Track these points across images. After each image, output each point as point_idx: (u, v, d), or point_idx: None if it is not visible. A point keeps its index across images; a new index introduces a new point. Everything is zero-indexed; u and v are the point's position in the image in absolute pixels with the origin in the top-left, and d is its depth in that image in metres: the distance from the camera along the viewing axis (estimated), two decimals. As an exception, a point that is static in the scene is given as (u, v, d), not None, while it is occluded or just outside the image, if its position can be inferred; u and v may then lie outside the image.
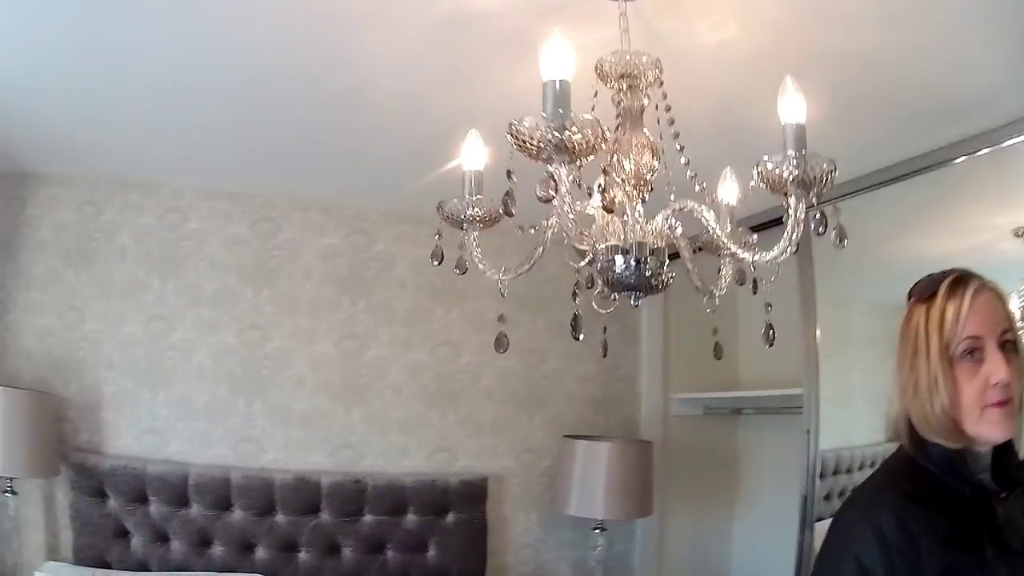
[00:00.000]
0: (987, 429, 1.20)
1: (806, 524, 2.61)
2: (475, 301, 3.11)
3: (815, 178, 1.06)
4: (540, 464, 3.15)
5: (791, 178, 1.05)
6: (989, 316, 1.22)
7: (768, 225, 2.02)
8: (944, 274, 1.28)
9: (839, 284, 2.68)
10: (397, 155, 2.49)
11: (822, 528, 2.61)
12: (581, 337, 1.41)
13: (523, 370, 3.12)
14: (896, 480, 1.29)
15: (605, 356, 1.97)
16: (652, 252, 1.30)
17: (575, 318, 1.42)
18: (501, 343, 1.45)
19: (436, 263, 1.39)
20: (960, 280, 1.25)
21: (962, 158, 2.18)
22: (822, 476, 2.62)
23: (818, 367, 2.62)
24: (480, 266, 1.42)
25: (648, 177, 1.39)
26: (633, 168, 1.37)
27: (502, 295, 1.39)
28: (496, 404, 3.12)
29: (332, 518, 2.92)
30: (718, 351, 1.55)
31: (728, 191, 1.43)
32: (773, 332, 1.41)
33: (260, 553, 2.91)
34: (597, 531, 2.99)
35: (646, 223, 1.34)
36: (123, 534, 2.91)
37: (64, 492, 2.98)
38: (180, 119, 2.35)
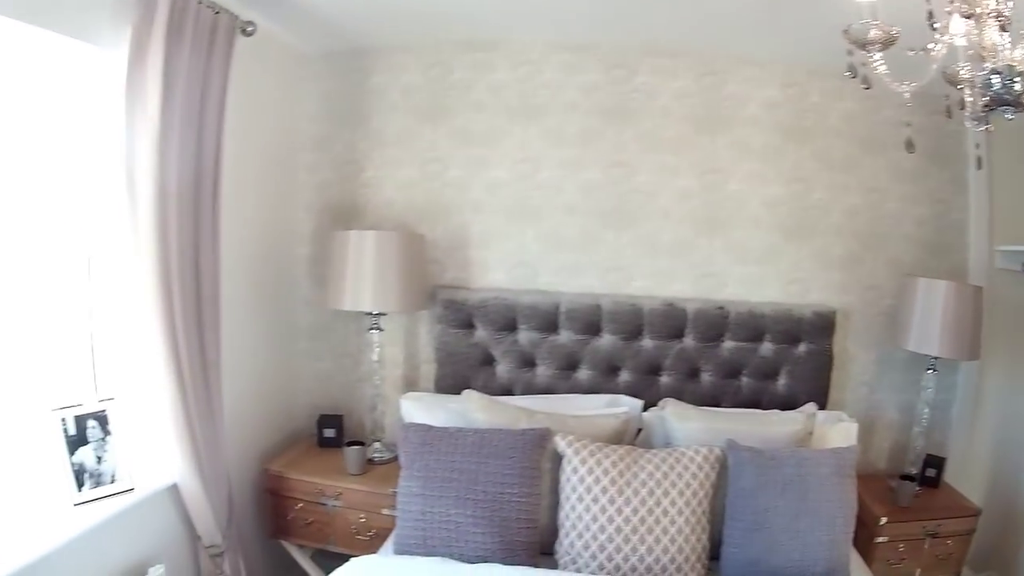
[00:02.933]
0: None
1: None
2: (824, 140, 3.18)
3: None
4: (881, 302, 3.21)
5: None
6: None
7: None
8: None
9: None
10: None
11: None
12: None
13: (866, 209, 3.18)
14: None
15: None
16: (1020, 74, 1.50)
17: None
18: (911, 145, 1.74)
19: (850, 75, 1.60)
20: None
21: None
22: None
23: None
24: (885, 78, 1.61)
25: (1006, 12, 1.52)
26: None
27: (908, 104, 1.62)
28: (845, 240, 3.18)
29: (695, 343, 3.04)
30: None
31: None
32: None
33: (624, 376, 3.05)
34: (930, 372, 3.06)
35: (1012, 52, 1.52)
36: (488, 362, 3.05)
37: (428, 328, 3.12)
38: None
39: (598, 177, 3.12)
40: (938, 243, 3.27)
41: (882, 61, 1.58)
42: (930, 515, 2.91)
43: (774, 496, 2.43)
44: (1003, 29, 1.51)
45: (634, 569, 2.32)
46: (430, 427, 2.63)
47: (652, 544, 2.34)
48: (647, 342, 3.03)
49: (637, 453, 2.51)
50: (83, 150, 2.24)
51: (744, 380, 3.08)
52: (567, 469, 2.46)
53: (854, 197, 3.18)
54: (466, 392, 2.84)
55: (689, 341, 3.04)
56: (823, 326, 3.08)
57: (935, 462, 3.16)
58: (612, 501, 2.37)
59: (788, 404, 3.00)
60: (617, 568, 2.32)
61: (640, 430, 2.81)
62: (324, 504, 2.91)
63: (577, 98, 3.13)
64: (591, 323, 3.02)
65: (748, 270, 3.15)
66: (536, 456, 2.50)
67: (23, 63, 2.04)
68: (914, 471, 3.10)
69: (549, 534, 2.45)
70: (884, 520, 2.84)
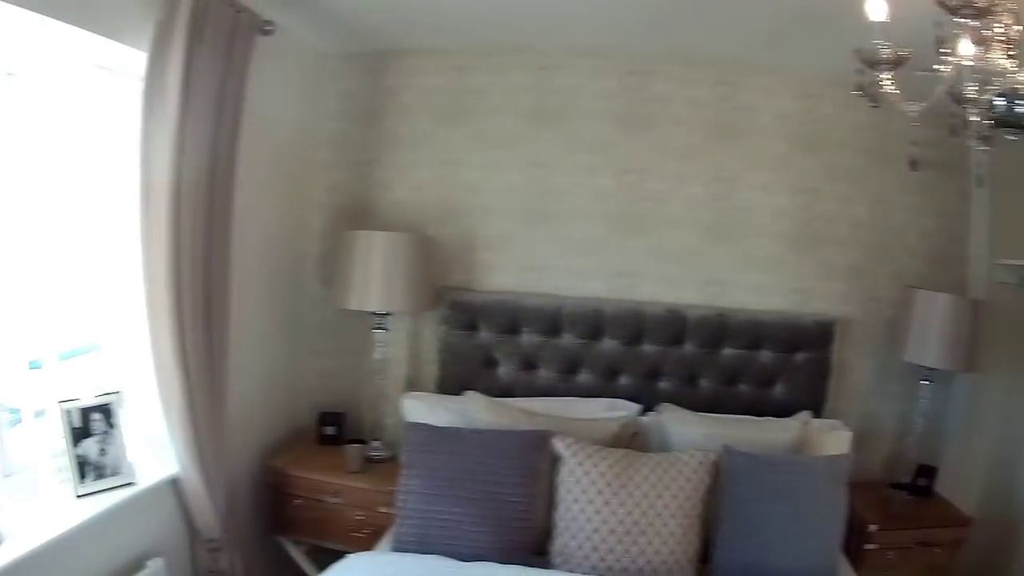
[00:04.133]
0: None
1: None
2: (833, 151, 3.21)
3: None
4: (881, 313, 3.23)
5: None
6: None
7: None
8: None
9: None
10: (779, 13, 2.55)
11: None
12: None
13: (872, 220, 3.21)
14: None
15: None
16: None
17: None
18: (915, 164, 1.88)
19: (859, 94, 1.64)
20: None
21: None
22: None
23: None
24: (893, 97, 1.63)
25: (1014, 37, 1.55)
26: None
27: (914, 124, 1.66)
28: (849, 250, 3.21)
29: (695, 349, 3.09)
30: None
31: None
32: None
33: (624, 380, 3.10)
34: (925, 383, 3.08)
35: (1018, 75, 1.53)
36: (490, 364, 3.10)
37: (432, 329, 3.15)
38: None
39: (610, 183, 3.17)
40: (941, 255, 3.30)
41: (891, 80, 1.61)
42: (920, 524, 2.97)
43: (768, 501, 2.50)
44: (1009, 54, 1.53)
45: (625, 570, 2.37)
46: (433, 427, 2.69)
47: (644, 546, 2.40)
48: (648, 347, 3.08)
49: (633, 456, 2.57)
50: (101, 145, 2.31)
51: (742, 387, 3.12)
52: (563, 471, 2.51)
53: (860, 208, 3.21)
54: (468, 393, 2.90)
55: (689, 347, 3.09)
56: (822, 335, 3.12)
57: (927, 471, 3.20)
58: (607, 503, 2.43)
59: (785, 412, 3.02)
60: (609, 569, 2.37)
61: (636, 434, 2.84)
62: (323, 501, 2.95)
63: (593, 104, 3.18)
64: (593, 327, 3.07)
65: (753, 278, 3.19)
66: (535, 457, 2.55)
67: (45, 58, 2.08)
68: (906, 480, 3.13)
69: (544, 534, 2.50)
70: (874, 527, 2.88)
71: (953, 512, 3.12)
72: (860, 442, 3.23)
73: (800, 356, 3.11)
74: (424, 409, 2.87)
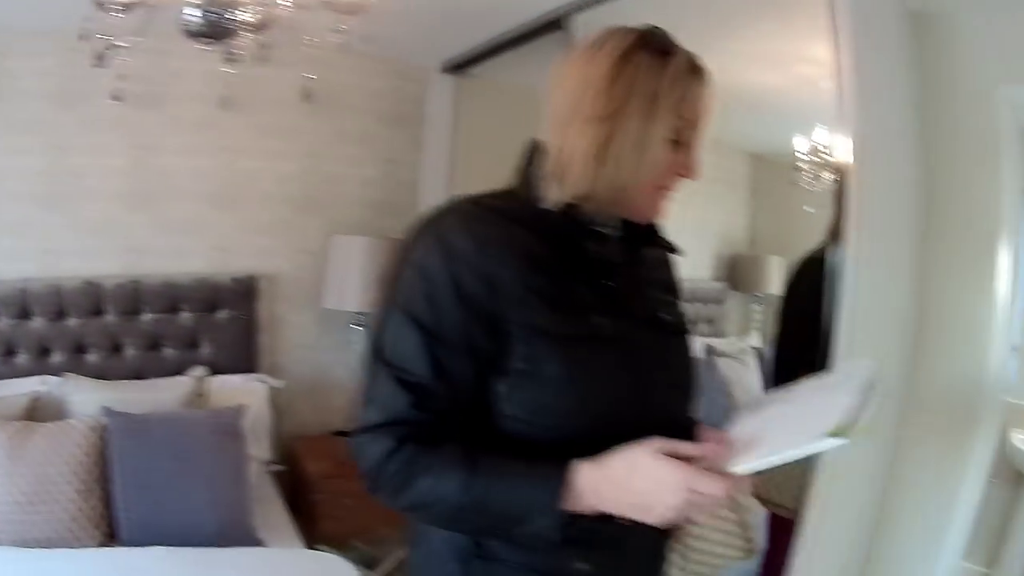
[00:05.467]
0: (650, 209, 1.12)
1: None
2: (264, 109, 3.21)
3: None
4: (315, 265, 3.21)
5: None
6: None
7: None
8: (662, 33, 1.08)
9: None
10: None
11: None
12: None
13: (302, 173, 3.21)
14: (479, 197, 1.14)
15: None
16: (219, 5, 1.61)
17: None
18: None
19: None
20: (695, 58, 1.08)
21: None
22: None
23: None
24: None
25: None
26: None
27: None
28: (274, 206, 3.20)
29: (115, 319, 3.12)
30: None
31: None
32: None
33: (56, 357, 3.12)
34: (357, 327, 3.07)
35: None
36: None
37: None
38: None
39: (39, 162, 3.11)
40: (386, 202, 3.24)
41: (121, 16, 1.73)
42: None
43: (152, 459, 2.56)
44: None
45: (36, 539, 2.41)
46: None
47: (47, 514, 2.44)
48: (72, 321, 3.11)
49: (30, 428, 2.61)
50: None
51: (168, 351, 3.14)
52: None
53: (289, 163, 3.19)
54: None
55: (110, 318, 3.11)
56: (244, 292, 3.14)
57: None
58: (9, 475, 2.47)
59: (217, 371, 3.07)
60: (22, 539, 2.41)
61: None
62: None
63: (32, 85, 3.10)
64: (21, 307, 3.08)
65: (172, 242, 3.19)
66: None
67: None
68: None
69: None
70: (316, 477, 2.94)
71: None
72: (316, 395, 3.19)
73: (222, 315, 3.13)
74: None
